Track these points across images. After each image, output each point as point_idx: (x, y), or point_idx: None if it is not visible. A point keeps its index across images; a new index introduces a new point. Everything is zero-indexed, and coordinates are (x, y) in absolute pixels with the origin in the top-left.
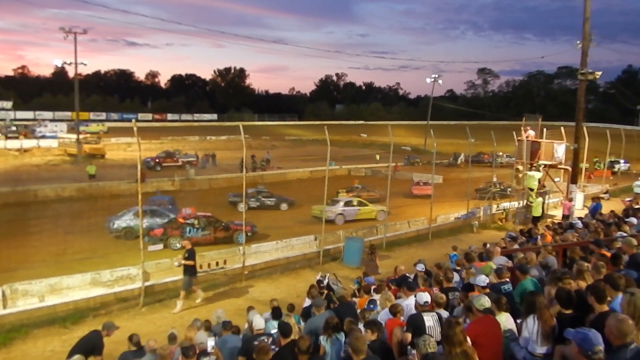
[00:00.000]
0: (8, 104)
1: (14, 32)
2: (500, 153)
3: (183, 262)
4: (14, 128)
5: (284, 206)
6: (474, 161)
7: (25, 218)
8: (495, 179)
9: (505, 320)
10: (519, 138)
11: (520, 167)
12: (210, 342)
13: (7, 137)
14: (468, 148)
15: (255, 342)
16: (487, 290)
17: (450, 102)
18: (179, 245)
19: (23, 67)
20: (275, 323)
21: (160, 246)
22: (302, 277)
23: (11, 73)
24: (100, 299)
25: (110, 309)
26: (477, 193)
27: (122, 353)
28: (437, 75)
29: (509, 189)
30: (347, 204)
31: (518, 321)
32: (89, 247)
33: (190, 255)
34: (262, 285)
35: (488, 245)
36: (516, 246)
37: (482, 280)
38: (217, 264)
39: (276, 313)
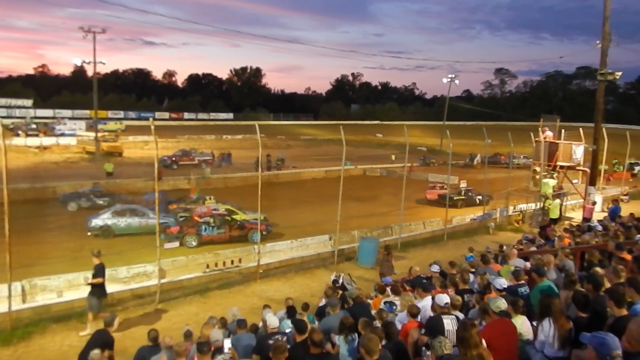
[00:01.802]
0: (28, 102)
1: (35, 31)
2: (518, 154)
3: (90, 281)
4: (34, 126)
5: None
6: (491, 162)
7: (43, 214)
8: (463, 184)
9: (522, 323)
10: (537, 139)
11: (538, 169)
12: (227, 343)
13: (27, 135)
14: (484, 149)
15: (270, 341)
16: (504, 293)
17: (466, 103)
18: (194, 244)
19: (43, 66)
20: (289, 322)
21: (176, 244)
22: (316, 277)
23: (31, 72)
24: (117, 295)
25: (126, 305)
26: (440, 199)
27: (140, 348)
28: (453, 76)
29: (479, 197)
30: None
31: (534, 323)
32: (105, 244)
33: (98, 271)
34: (277, 284)
35: (504, 247)
36: (533, 248)
37: (501, 283)
38: (232, 262)
39: (291, 312)
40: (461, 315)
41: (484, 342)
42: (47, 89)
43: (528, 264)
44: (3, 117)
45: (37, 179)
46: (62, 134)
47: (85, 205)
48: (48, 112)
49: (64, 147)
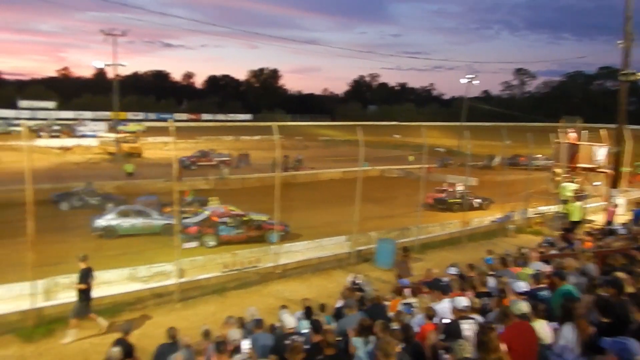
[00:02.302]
0: (51, 104)
1: (57, 34)
2: (539, 155)
3: (75, 285)
4: (56, 127)
5: (110, 206)
6: (510, 163)
7: (65, 214)
8: (459, 187)
9: (542, 327)
10: (557, 140)
11: (558, 171)
12: (246, 343)
13: (50, 136)
14: (503, 150)
15: (287, 341)
16: (523, 297)
17: (485, 103)
18: (212, 244)
19: (65, 68)
20: (306, 323)
21: (194, 244)
22: (333, 278)
23: (54, 74)
24: (136, 294)
25: (145, 304)
26: (436, 204)
27: (159, 346)
28: (472, 76)
29: (477, 200)
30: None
31: (555, 325)
32: (124, 243)
33: (83, 276)
34: (294, 285)
35: (524, 250)
36: (554, 251)
37: (520, 286)
38: (250, 262)
39: (308, 313)
40: (480, 319)
41: (503, 346)
42: (69, 91)
43: (548, 268)
44: (27, 119)
45: (59, 180)
46: (84, 135)
47: (77, 205)
48: (70, 114)
49: (85, 148)
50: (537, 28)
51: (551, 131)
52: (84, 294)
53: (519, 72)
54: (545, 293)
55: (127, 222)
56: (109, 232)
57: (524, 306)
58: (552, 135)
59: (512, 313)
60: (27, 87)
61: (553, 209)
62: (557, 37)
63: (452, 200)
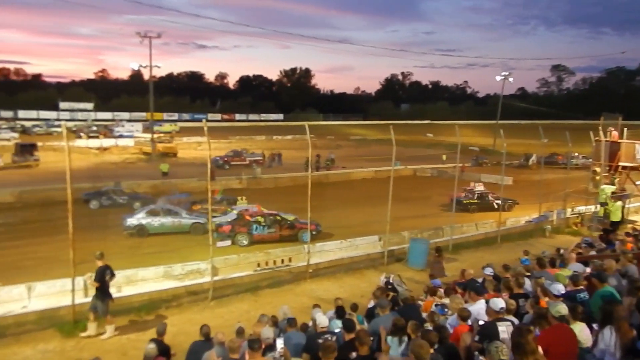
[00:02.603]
0: (89, 106)
1: (95, 37)
2: (576, 154)
3: (91, 283)
4: (94, 128)
5: (137, 205)
6: (547, 162)
7: (104, 213)
8: (478, 187)
9: (581, 330)
10: (597, 138)
11: (598, 169)
12: (280, 342)
13: (88, 137)
14: (540, 149)
15: (320, 340)
16: (561, 299)
17: (521, 101)
18: (245, 242)
19: (103, 70)
20: (339, 322)
21: (228, 242)
22: (365, 277)
23: (92, 76)
24: (172, 292)
25: (180, 302)
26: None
27: (193, 343)
28: (507, 73)
29: (497, 201)
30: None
31: (595, 327)
32: (160, 242)
33: (97, 275)
34: (326, 284)
35: (562, 251)
36: (593, 252)
37: (558, 289)
38: (282, 261)
39: (340, 312)
40: (516, 321)
41: (540, 348)
42: (107, 93)
43: (587, 269)
44: (67, 120)
45: (97, 179)
46: (121, 136)
47: (105, 204)
48: (107, 115)
49: (122, 148)
50: (576, 23)
51: (591, 129)
52: (101, 292)
53: (557, 68)
54: (583, 295)
55: (156, 221)
56: (140, 231)
57: (562, 308)
58: (591, 133)
59: (550, 315)
60: (67, 89)
61: (592, 209)
62: (597, 32)
63: (467, 201)
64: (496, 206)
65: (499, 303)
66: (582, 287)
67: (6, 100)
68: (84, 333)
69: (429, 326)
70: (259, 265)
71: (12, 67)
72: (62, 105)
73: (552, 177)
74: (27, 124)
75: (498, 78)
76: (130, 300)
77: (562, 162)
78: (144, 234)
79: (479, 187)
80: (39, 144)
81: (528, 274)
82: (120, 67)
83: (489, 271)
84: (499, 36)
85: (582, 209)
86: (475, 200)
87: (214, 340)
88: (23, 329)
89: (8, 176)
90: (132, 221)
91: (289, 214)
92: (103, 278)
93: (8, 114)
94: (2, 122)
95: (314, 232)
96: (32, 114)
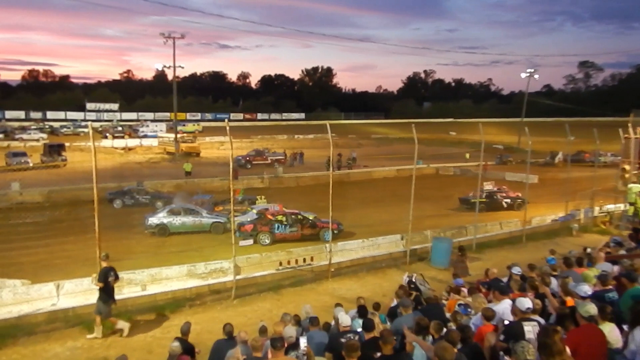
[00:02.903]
0: (115, 106)
1: (120, 39)
2: (604, 152)
3: (95, 283)
4: (119, 128)
5: (159, 204)
6: (574, 160)
7: (128, 212)
8: (487, 185)
9: (610, 330)
10: (626, 135)
11: (627, 167)
12: (303, 341)
13: (113, 137)
14: (567, 146)
15: (342, 339)
16: (588, 300)
17: (547, 98)
18: (267, 241)
19: (128, 71)
20: (361, 321)
21: (250, 241)
22: (388, 277)
23: (118, 77)
24: (195, 290)
25: (204, 300)
26: (461, 204)
27: (216, 341)
28: (532, 70)
29: (507, 200)
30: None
31: (625, 327)
32: (184, 241)
33: (100, 276)
34: (348, 283)
35: (589, 250)
36: (622, 252)
37: (585, 290)
38: (304, 260)
39: (362, 311)
40: (542, 321)
41: (567, 349)
42: (132, 93)
43: (616, 269)
44: (93, 121)
45: (123, 178)
46: (145, 136)
47: (128, 203)
48: (132, 115)
49: (146, 148)
50: (604, 18)
51: (619, 126)
52: (104, 293)
53: (584, 64)
54: (612, 295)
55: (177, 220)
56: (161, 230)
57: (592, 308)
58: (620, 130)
59: (580, 314)
60: (93, 90)
61: (621, 207)
62: (625, 27)
63: (475, 200)
64: (505, 205)
65: (526, 303)
66: (610, 286)
67: (35, 102)
68: (89, 335)
69: (452, 326)
70: (281, 264)
71: (41, 68)
72: (89, 106)
73: (579, 175)
74: (55, 124)
75: (523, 75)
76: (154, 298)
77: (589, 159)
78: (165, 233)
79: (488, 186)
80: (67, 144)
81: (555, 273)
82: (145, 68)
83: (516, 270)
84: (524, 33)
85: (610, 207)
86: (483, 199)
87: (236, 339)
88: (52, 327)
89: (37, 176)
90: (153, 220)
91: (308, 212)
92: (106, 279)
93: (37, 115)
94: (31, 123)
95: (335, 231)
96: (60, 114)
